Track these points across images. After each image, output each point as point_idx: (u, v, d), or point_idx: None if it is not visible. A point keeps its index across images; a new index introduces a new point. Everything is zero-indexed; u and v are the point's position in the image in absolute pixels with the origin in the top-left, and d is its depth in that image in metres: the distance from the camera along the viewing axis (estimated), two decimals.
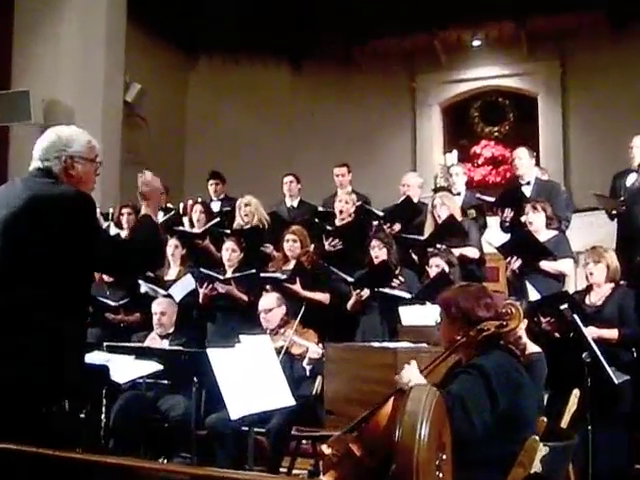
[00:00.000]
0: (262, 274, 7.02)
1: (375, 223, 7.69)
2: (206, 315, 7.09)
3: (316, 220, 8.01)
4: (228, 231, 7.94)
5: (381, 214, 7.73)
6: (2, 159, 10.53)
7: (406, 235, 7.30)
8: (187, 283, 7.11)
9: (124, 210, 8.42)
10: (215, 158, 12.47)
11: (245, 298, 6.96)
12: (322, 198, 8.84)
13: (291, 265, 7.04)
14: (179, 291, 7.05)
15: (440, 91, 14.63)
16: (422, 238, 7.11)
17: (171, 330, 6.49)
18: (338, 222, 7.69)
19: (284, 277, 6.87)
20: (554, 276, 6.46)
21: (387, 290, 6.53)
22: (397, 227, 7.47)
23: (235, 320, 6.80)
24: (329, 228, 7.61)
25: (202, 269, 7.05)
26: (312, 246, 7.30)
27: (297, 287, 6.82)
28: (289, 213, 8.62)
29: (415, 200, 7.73)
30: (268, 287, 6.92)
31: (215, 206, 9.02)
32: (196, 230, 8.05)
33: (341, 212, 7.70)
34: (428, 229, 7.15)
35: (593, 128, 13.12)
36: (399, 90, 14.51)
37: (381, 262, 6.70)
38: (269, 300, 6.27)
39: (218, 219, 8.14)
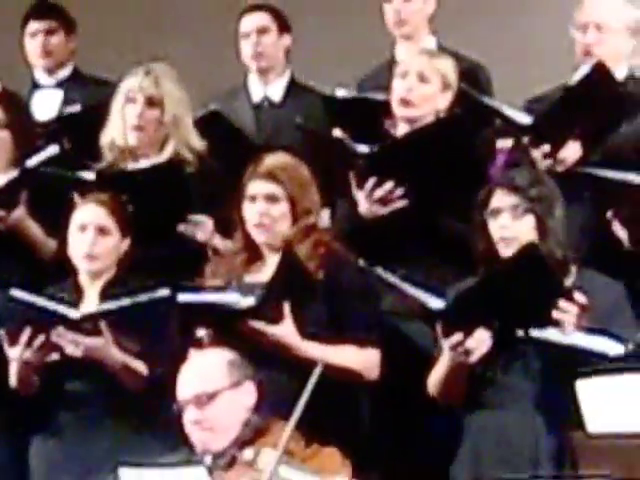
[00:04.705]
0: (183, 295, 2.74)
1: (505, 143, 3.17)
2: (29, 418, 2.92)
3: (335, 133, 3.29)
4: (85, 175, 3.19)
5: (525, 120, 3.10)
6: None
7: (596, 171, 2.95)
8: None
9: None
10: None
11: (139, 368, 2.82)
12: (352, 74, 3.85)
13: (267, 269, 2.77)
14: None
15: None
16: None
17: None
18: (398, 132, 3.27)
19: (250, 303, 2.70)
20: None
21: (541, 334, 2.62)
22: (571, 152, 3.06)
23: (108, 430, 2.83)
24: (369, 152, 3.12)
25: (15, 291, 2.78)
26: (325, 215, 3.11)
27: (286, 331, 2.67)
28: (258, 119, 3.75)
29: (619, 72, 3.19)
30: (203, 334, 2.71)
31: (48, 99, 3.84)
32: None
33: (407, 103, 3.16)
34: None
35: None
36: None
37: (524, 249, 2.63)
38: (205, 368, 2.50)
39: (51, 149, 3.21)
